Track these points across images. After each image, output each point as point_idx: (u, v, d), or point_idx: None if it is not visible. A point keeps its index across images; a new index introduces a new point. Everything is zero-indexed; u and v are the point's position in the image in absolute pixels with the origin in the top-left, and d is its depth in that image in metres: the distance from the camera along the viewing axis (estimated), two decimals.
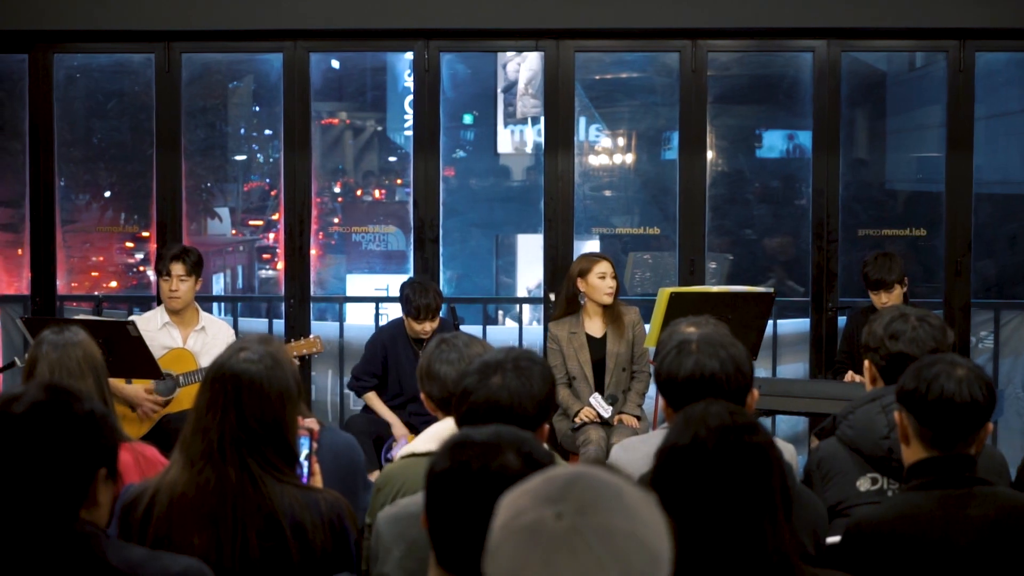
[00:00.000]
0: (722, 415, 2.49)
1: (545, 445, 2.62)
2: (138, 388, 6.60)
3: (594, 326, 6.94)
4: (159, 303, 7.08)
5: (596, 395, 6.75)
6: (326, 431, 3.92)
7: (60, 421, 2.42)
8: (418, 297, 6.97)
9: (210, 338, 6.86)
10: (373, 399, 7.16)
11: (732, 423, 2.47)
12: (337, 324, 8.24)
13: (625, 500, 1.77)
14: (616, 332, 6.90)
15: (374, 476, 4.46)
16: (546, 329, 7.92)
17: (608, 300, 6.89)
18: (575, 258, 7.77)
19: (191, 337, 6.86)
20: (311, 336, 6.82)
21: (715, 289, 6.67)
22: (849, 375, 6.84)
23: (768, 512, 2.43)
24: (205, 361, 6.62)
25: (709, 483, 2.42)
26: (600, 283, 6.87)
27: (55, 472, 2.41)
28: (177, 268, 6.80)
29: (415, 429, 6.89)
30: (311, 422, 3.50)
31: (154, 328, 6.78)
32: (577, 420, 6.74)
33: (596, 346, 6.93)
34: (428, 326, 7.00)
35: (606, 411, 6.69)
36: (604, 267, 6.90)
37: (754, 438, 2.47)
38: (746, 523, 2.41)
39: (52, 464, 2.40)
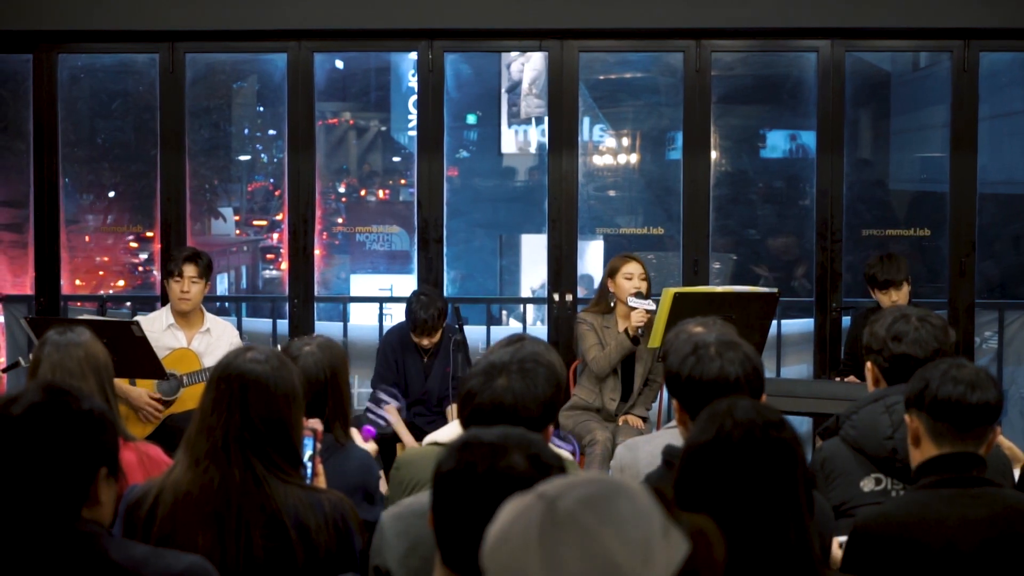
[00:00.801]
0: (748, 410, 2.49)
1: (559, 450, 2.62)
2: (141, 391, 6.60)
3: (625, 325, 6.89)
4: (163, 304, 7.07)
5: (631, 298, 6.72)
6: (347, 448, 3.94)
7: (58, 421, 2.42)
8: (420, 311, 6.95)
9: (214, 339, 6.85)
10: (392, 413, 7.11)
11: (759, 418, 2.47)
12: (341, 324, 8.24)
13: (613, 504, 1.75)
14: (646, 335, 6.83)
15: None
16: (551, 323, 7.92)
17: None
18: (579, 256, 7.81)
19: (196, 338, 6.84)
20: (313, 335, 6.79)
21: (719, 289, 6.67)
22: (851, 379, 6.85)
23: (793, 508, 2.43)
24: (209, 361, 6.61)
25: (735, 478, 2.41)
26: (626, 284, 6.82)
27: (55, 472, 2.41)
28: (189, 270, 6.78)
29: (419, 431, 6.88)
30: (315, 423, 3.51)
31: (158, 329, 6.76)
32: (632, 330, 6.71)
33: (638, 343, 6.88)
34: (426, 341, 7.01)
35: (651, 304, 6.65)
36: (632, 268, 6.85)
37: (780, 434, 2.47)
38: (771, 519, 2.40)
39: (52, 465, 2.40)
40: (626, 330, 6.75)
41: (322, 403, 3.99)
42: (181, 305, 6.80)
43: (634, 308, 6.68)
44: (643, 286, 6.83)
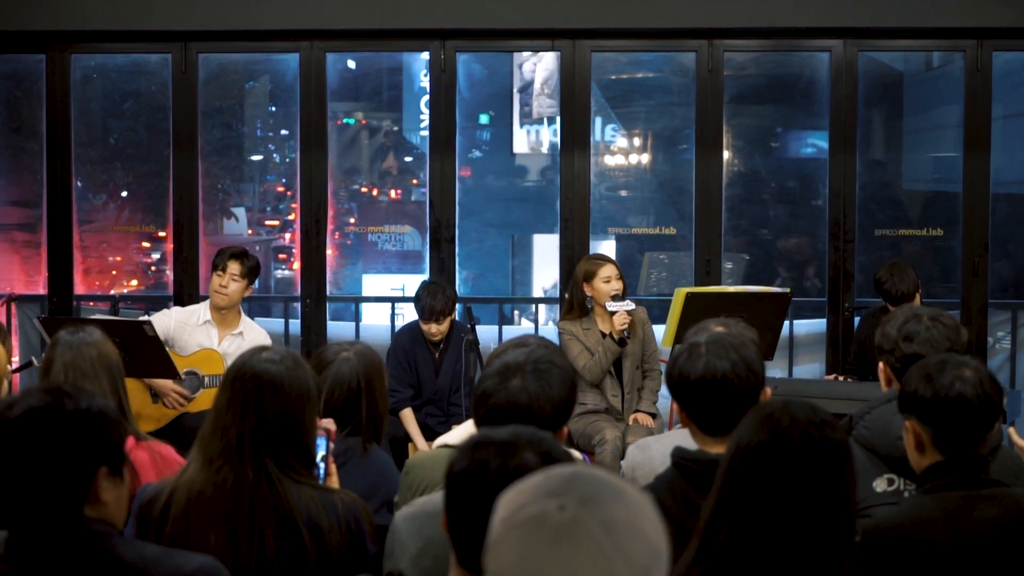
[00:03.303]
0: (805, 410, 2.50)
1: (573, 451, 2.62)
2: (166, 380, 6.57)
3: (607, 326, 6.84)
4: (175, 303, 7.07)
5: (609, 303, 6.67)
6: (370, 453, 3.91)
7: (52, 423, 2.42)
8: (427, 297, 6.95)
9: (247, 343, 6.75)
10: (408, 417, 7.08)
11: (815, 418, 2.49)
12: (353, 324, 8.25)
13: (626, 495, 1.79)
14: (632, 334, 6.81)
15: None
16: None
17: None
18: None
19: (227, 339, 6.80)
20: (352, 341, 6.72)
21: (731, 289, 6.66)
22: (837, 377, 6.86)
23: (845, 508, 2.44)
24: None
25: (792, 478, 2.42)
26: (605, 287, 6.75)
27: (51, 473, 2.41)
28: (234, 267, 6.77)
29: (432, 431, 6.88)
30: (328, 422, 3.50)
31: (194, 323, 6.76)
32: (617, 334, 6.67)
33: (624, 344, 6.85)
34: (435, 327, 6.97)
35: (629, 304, 6.63)
36: (608, 270, 6.76)
37: (834, 434, 2.48)
38: (827, 517, 2.42)
39: (47, 466, 2.40)
40: (610, 334, 6.72)
41: (354, 410, 3.95)
42: (217, 299, 6.78)
43: (614, 312, 6.66)
44: (619, 286, 6.74)
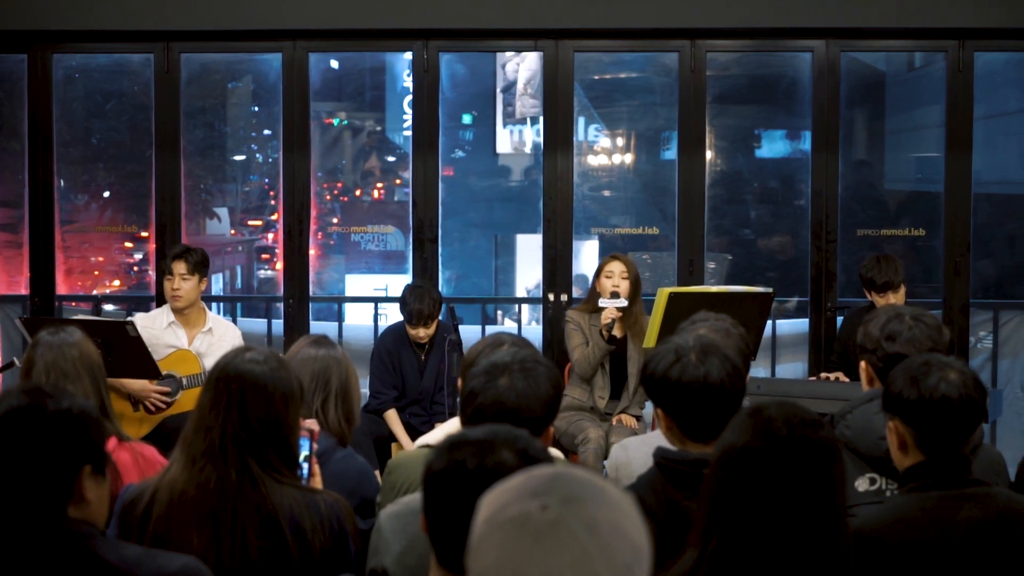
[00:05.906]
0: (793, 410, 2.52)
1: (552, 450, 2.62)
2: (144, 381, 6.55)
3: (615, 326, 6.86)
4: (158, 304, 7.05)
5: (602, 300, 6.69)
6: (342, 454, 3.91)
7: (35, 422, 2.42)
8: (413, 301, 6.93)
9: (216, 339, 6.78)
10: (392, 418, 7.08)
11: (802, 420, 2.50)
12: (336, 324, 8.24)
13: (607, 494, 1.80)
14: (637, 336, 6.80)
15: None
16: (546, 323, 7.91)
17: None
18: (573, 256, 7.81)
19: (197, 338, 6.79)
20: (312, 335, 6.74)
21: (714, 289, 6.66)
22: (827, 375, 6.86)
23: (835, 507, 2.47)
24: (210, 363, 6.55)
25: (784, 479, 2.44)
26: (605, 283, 6.77)
27: (35, 473, 2.41)
28: (179, 267, 6.74)
29: (415, 431, 6.88)
30: (311, 423, 3.50)
31: (159, 327, 6.73)
32: (604, 330, 6.66)
33: (614, 344, 6.87)
34: (422, 331, 6.97)
35: (621, 302, 6.63)
36: (612, 266, 6.80)
37: (822, 432, 2.51)
38: (818, 517, 2.44)
39: (31, 465, 2.41)
40: (600, 330, 6.73)
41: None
42: (175, 303, 6.76)
43: (604, 308, 6.67)
44: (623, 285, 6.75)
